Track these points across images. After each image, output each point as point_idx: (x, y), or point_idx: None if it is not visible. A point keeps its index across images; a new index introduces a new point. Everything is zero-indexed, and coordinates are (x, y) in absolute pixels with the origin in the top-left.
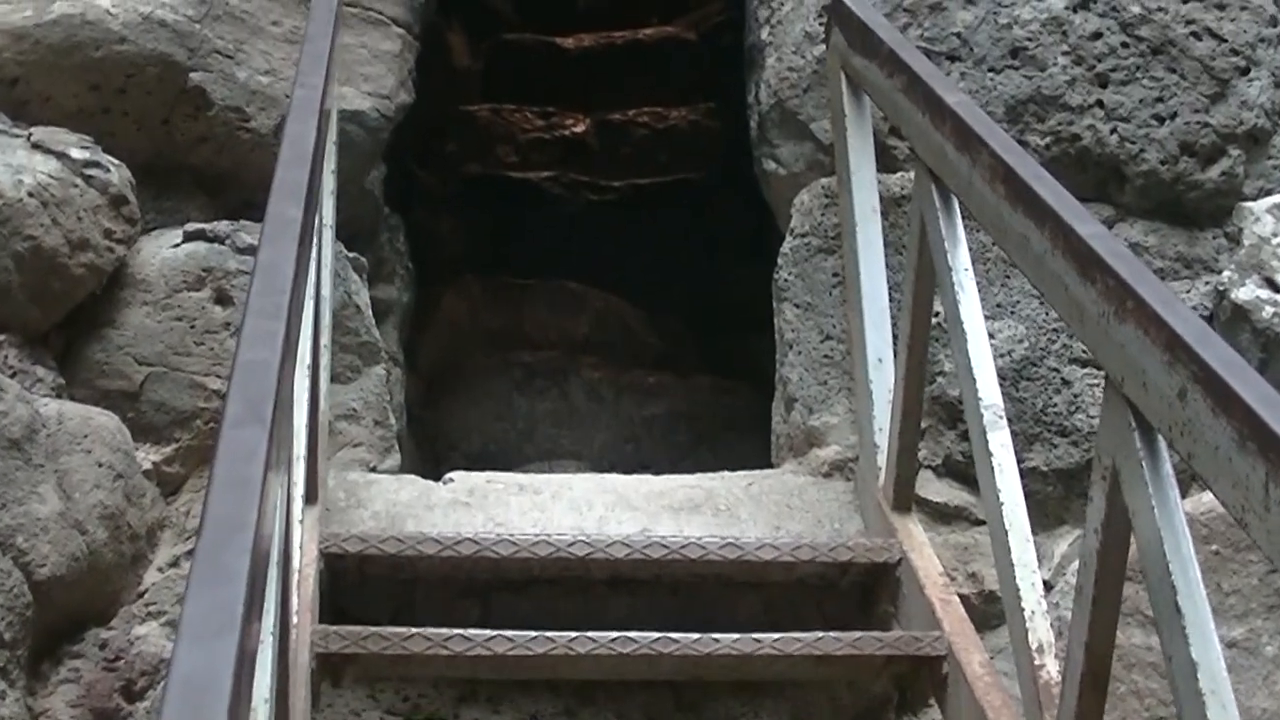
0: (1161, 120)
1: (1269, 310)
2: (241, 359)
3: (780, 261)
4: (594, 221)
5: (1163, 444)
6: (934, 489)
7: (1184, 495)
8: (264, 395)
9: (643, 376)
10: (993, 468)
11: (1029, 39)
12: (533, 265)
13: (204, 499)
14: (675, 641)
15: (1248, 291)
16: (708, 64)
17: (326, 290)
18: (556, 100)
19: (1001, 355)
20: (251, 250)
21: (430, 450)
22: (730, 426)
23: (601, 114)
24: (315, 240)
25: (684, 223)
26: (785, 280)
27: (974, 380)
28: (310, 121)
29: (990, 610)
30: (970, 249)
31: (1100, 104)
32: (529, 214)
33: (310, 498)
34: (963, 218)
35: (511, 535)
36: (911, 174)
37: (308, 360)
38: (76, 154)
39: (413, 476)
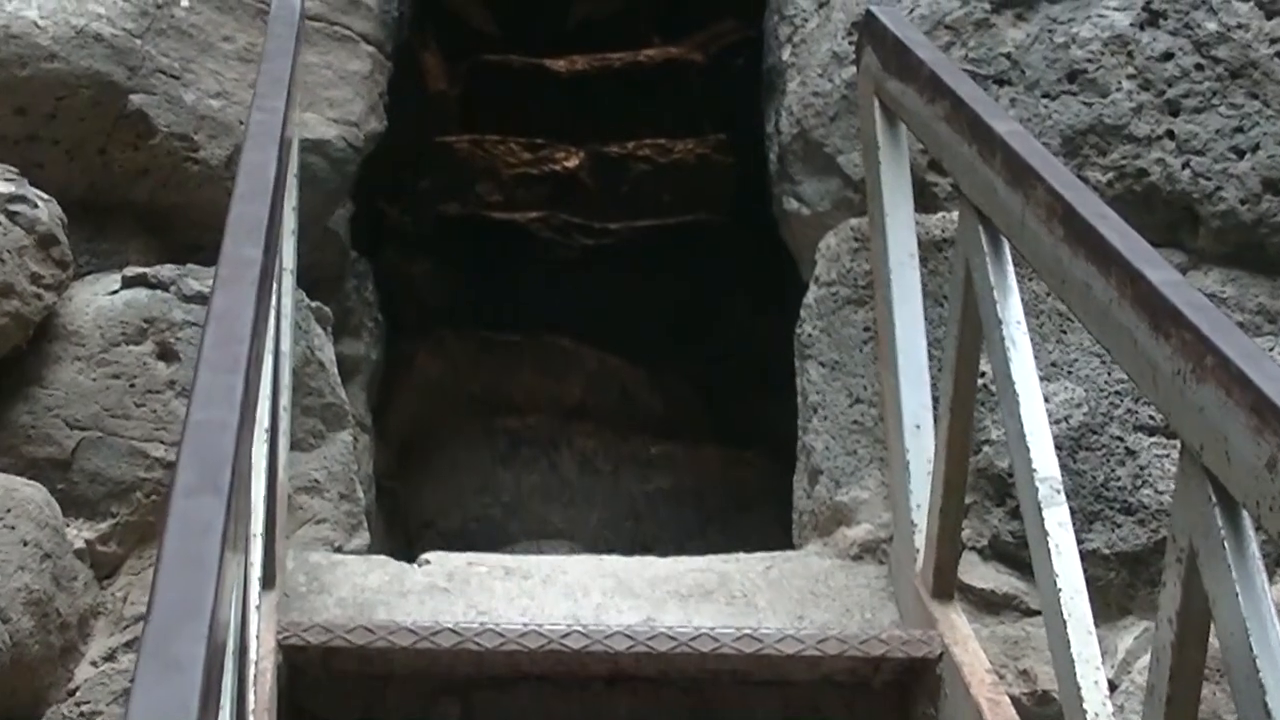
0: (1241, 154)
1: None
2: (195, 419)
3: (803, 314)
4: (589, 269)
5: (1248, 521)
6: (980, 574)
7: (1272, 580)
8: (220, 460)
9: (644, 446)
10: (1049, 550)
11: (1089, 60)
12: (519, 319)
13: (153, 579)
14: None
15: None
16: (719, 89)
17: (286, 344)
18: (546, 131)
19: (1058, 421)
20: (200, 298)
21: (402, 528)
22: (744, 502)
23: (597, 146)
24: (275, 286)
25: (691, 271)
26: (809, 335)
27: (1027, 449)
28: (270, 150)
29: (1045, 713)
30: (1023, 299)
31: (1170, 134)
32: (514, 260)
33: (267, 581)
34: (1014, 264)
35: (497, 625)
36: (955, 214)
37: (265, 423)
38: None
39: (384, 558)
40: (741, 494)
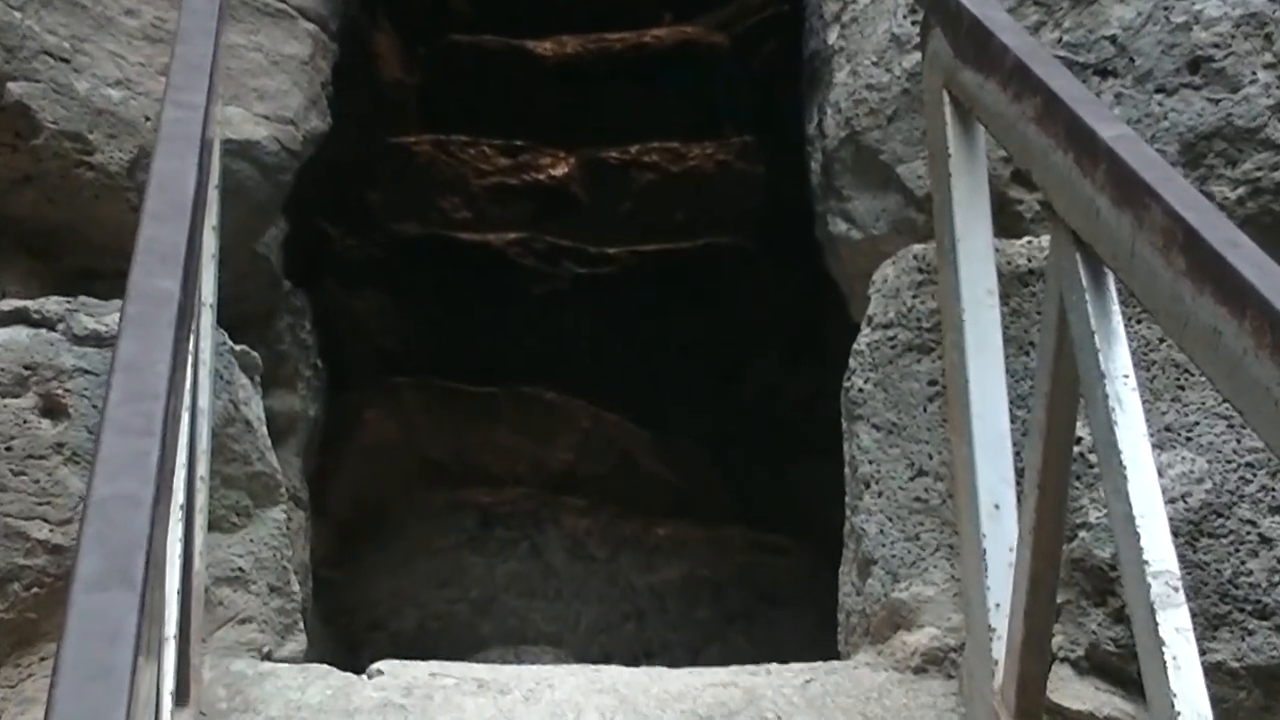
0: None
1: None
2: (100, 494)
3: (853, 364)
4: (581, 305)
5: None
6: (1074, 691)
7: None
8: (132, 545)
9: (648, 527)
10: (1164, 662)
11: (1216, 45)
12: (493, 366)
13: (49, 696)
14: None
15: None
16: (746, 80)
17: (205, 399)
18: (528, 131)
19: (1174, 500)
20: (95, 339)
21: (345, 629)
22: (775, 598)
23: (592, 151)
24: (193, 327)
25: (709, 308)
26: (860, 391)
27: (1136, 535)
28: (189, 156)
29: None
30: (1131, 347)
31: None
32: (487, 293)
33: (180, 697)
34: (1121, 303)
35: None
36: (1045, 239)
37: (180, 498)
38: None
39: (325, 667)
40: (771, 588)
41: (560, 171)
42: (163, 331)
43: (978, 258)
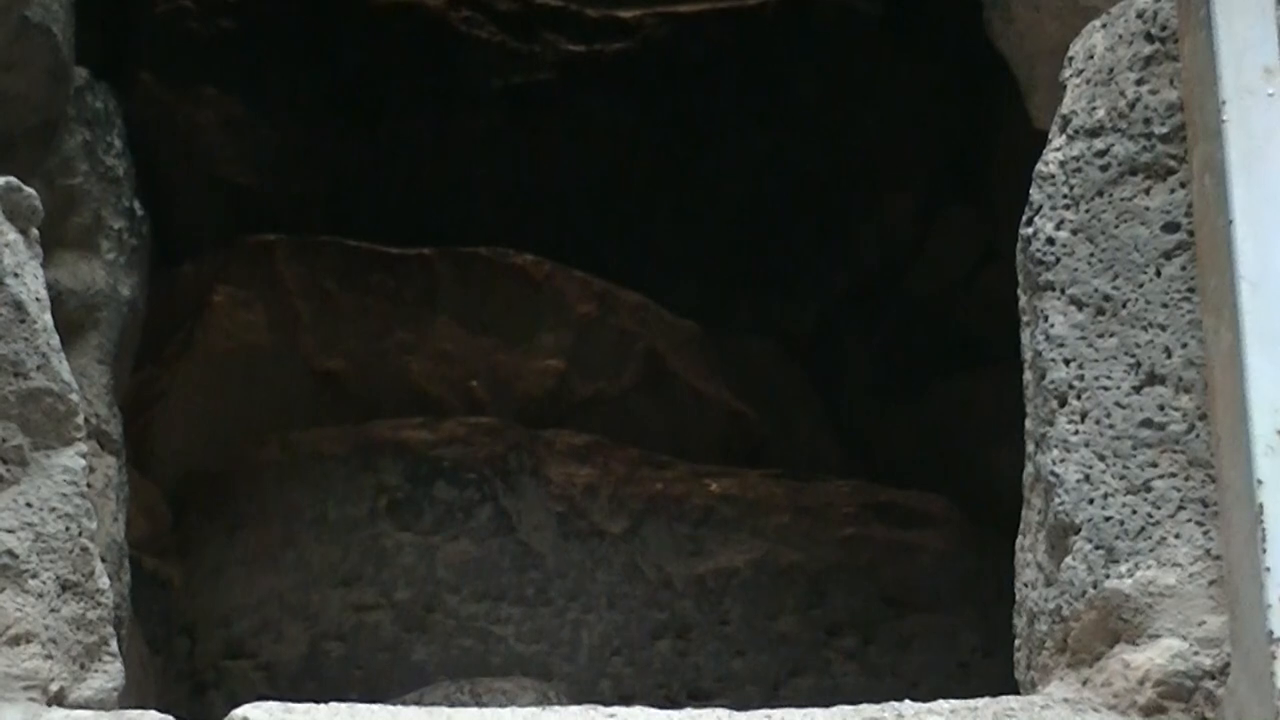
0: None
1: None
2: None
3: (1037, 196)
4: (573, 109)
5: None
6: None
7: None
8: None
9: (694, 482)
10: None
11: None
12: (426, 214)
13: None
14: None
15: None
16: None
17: None
18: None
19: None
20: None
21: (187, 654)
22: (902, 595)
23: None
24: None
25: (789, 113)
26: (1049, 242)
27: None
28: None
29: None
30: None
31: None
32: (415, 90)
33: None
34: None
35: None
36: None
37: None
38: None
39: (154, 716)
40: (897, 578)
41: None
42: None
43: (1249, 15)
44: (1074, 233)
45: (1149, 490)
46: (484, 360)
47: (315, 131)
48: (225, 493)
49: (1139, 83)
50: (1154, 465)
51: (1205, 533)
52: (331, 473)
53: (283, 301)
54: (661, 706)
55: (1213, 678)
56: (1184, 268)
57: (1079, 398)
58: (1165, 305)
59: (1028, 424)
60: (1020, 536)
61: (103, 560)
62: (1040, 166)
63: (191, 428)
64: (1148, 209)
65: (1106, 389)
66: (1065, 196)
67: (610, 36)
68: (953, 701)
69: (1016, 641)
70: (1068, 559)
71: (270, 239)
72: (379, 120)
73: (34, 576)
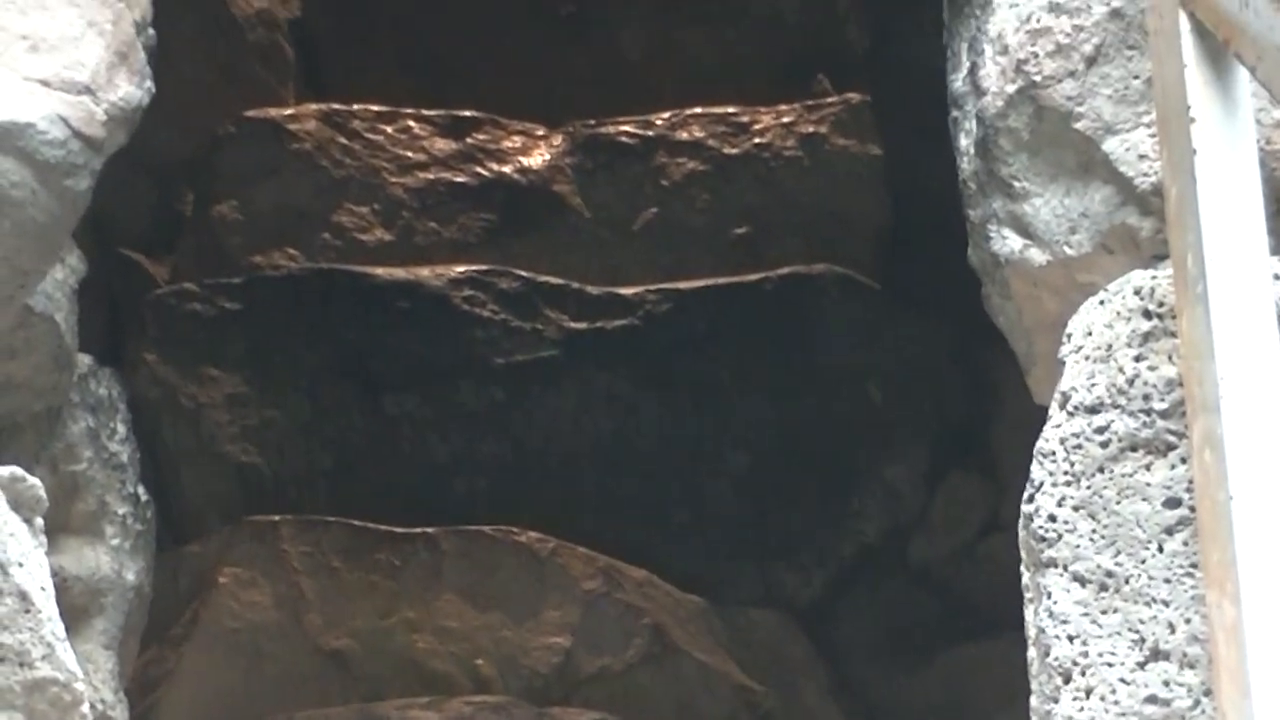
0: None
1: None
2: None
3: (1038, 474)
4: (575, 384)
5: None
6: None
7: None
8: None
9: None
10: None
11: None
12: (429, 492)
13: None
14: None
15: None
16: None
17: None
18: (478, 90)
19: None
20: None
21: None
22: None
23: (587, 124)
24: None
25: (784, 383)
26: (1051, 519)
27: None
28: None
29: None
30: None
31: None
32: (418, 369)
33: None
34: None
35: None
36: None
37: None
38: None
39: None
40: None
41: (536, 159)
42: None
43: (1245, 290)
44: (1075, 510)
45: None
46: (490, 637)
47: (318, 409)
48: None
49: (1137, 359)
50: None
51: None
52: None
53: (288, 580)
54: None
55: None
56: (1186, 543)
57: (1083, 674)
58: (1168, 580)
59: (1033, 701)
60: None
61: None
62: (1040, 443)
63: (197, 709)
64: (1149, 485)
65: (1111, 665)
66: (1066, 473)
67: (612, 313)
68: None
69: None
70: None
71: (275, 519)
72: (381, 397)
73: None
